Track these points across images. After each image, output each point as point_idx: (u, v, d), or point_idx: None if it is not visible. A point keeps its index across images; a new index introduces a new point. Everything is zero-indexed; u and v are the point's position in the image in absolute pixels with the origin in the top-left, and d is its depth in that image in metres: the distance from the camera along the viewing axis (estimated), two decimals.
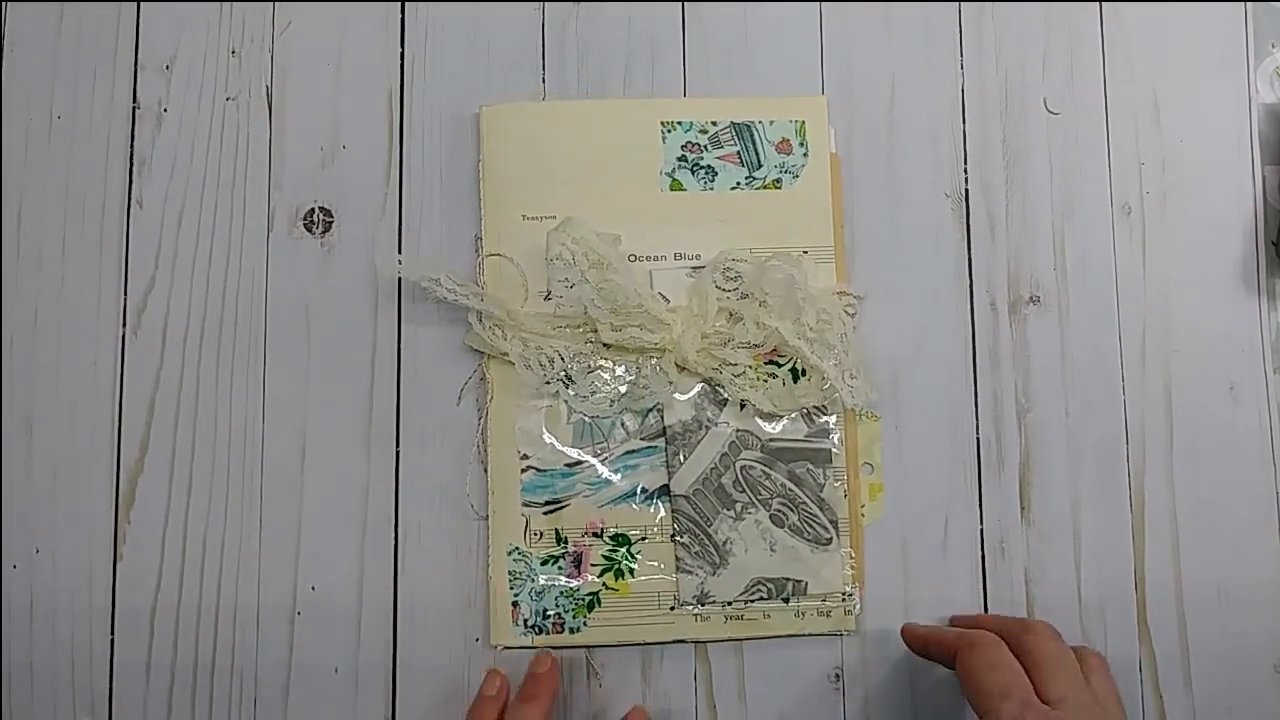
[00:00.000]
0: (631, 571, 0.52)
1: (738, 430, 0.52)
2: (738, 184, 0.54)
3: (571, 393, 0.52)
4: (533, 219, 0.53)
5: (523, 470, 0.52)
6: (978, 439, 0.54)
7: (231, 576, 0.52)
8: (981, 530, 0.54)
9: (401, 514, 0.53)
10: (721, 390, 0.52)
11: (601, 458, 0.52)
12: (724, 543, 0.52)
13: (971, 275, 0.55)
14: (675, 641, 0.52)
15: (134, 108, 0.55)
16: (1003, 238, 0.55)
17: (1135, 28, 0.57)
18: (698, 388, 0.53)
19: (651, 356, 0.52)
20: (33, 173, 0.54)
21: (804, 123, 0.54)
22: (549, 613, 0.51)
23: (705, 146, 0.54)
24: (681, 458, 0.52)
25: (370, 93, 0.55)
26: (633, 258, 0.53)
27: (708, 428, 0.52)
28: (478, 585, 0.52)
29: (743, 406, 0.52)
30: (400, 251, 0.54)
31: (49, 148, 0.54)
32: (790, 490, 0.52)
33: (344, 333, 0.54)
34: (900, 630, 0.51)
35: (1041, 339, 0.55)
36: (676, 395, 0.52)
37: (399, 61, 0.55)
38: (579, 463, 0.52)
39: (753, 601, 0.52)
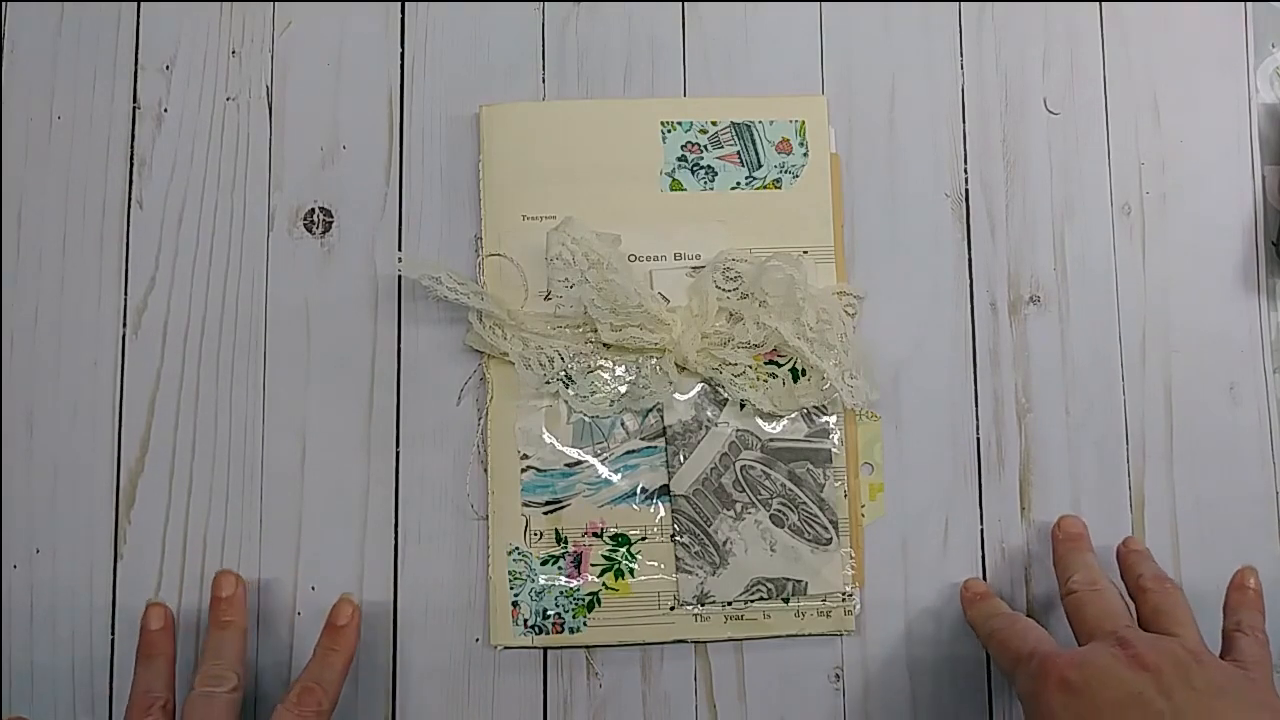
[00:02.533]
0: (631, 571, 0.52)
1: (738, 430, 0.52)
2: (738, 184, 0.54)
3: (571, 393, 0.52)
4: (533, 219, 0.53)
5: (523, 470, 0.52)
6: (978, 439, 0.54)
7: None
8: (981, 530, 0.54)
9: (401, 514, 0.53)
10: (721, 390, 0.52)
11: (601, 458, 0.52)
12: (724, 543, 0.52)
13: (971, 275, 0.55)
14: (675, 641, 0.52)
15: (134, 108, 0.55)
16: (1003, 238, 0.55)
17: (1135, 28, 0.57)
18: (698, 388, 0.53)
19: (651, 356, 0.52)
20: (33, 173, 0.54)
21: (804, 123, 0.54)
22: (549, 613, 0.51)
23: (705, 146, 0.54)
24: (681, 458, 0.52)
25: (370, 93, 0.55)
26: (633, 258, 0.53)
27: (708, 428, 0.52)
28: (478, 585, 0.52)
29: (743, 406, 0.52)
30: (400, 251, 0.54)
31: (49, 148, 0.54)
32: (790, 490, 0.52)
33: (344, 333, 0.54)
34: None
35: (1041, 339, 0.55)
36: (676, 395, 0.52)
37: (399, 61, 0.55)
38: (579, 463, 0.52)
39: (753, 601, 0.52)
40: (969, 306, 0.55)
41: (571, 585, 0.52)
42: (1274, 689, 0.45)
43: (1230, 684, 0.43)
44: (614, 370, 0.52)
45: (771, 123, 0.54)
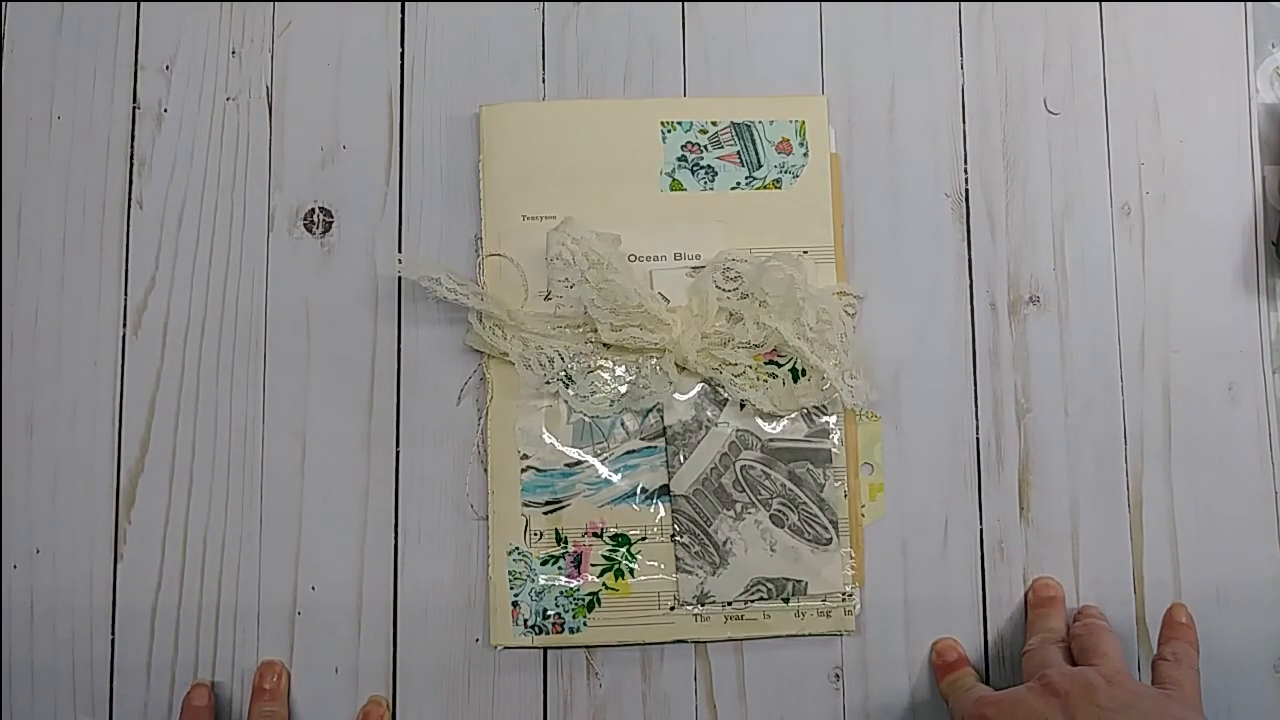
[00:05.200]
0: (631, 571, 0.52)
1: (738, 430, 0.52)
2: (738, 184, 0.54)
3: (571, 393, 0.52)
4: (533, 219, 0.53)
5: (523, 470, 0.52)
6: (977, 439, 0.54)
7: (231, 576, 0.52)
8: (981, 530, 0.54)
9: (401, 514, 0.53)
10: (721, 390, 0.52)
11: (601, 458, 0.52)
12: (724, 543, 0.52)
13: (971, 275, 0.55)
14: (675, 641, 0.52)
15: (134, 108, 0.55)
16: (1003, 238, 0.55)
17: (1135, 28, 0.57)
18: (698, 388, 0.53)
19: (651, 356, 0.52)
20: (33, 173, 0.54)
21: (804, 123, 0.54)
22: (549, 613, 0.51)
23: (705, 146, 0.54)
24: (681, 458, 0.52)
25: (370, 93, 0.55)
26: (633, 258, 0.53)
27: (708, 428, 0.52)
28: (478, 585, 0.52)
29: (743, 406, 0.52)
30: (400, 251, 0.54)
31: (49, 148, 0.54)
32: (790, 490, 0.52)
33: (344, 333, 0.54)
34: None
35: (1041, 339, 0.55)
36: (676, 395, 0.52)
37: (399, 61, 0.55)
38: (579, 463, 0.52)
39: (753, 601, 0.52)
40: (969, 306, 0.55)
41: (571, 585, 0.52)
42: (1190, 706, 0.46)
43: (1137, 700, 0.44)
44: (614, 370, 0.52)
45: (771, 123, 0.54)
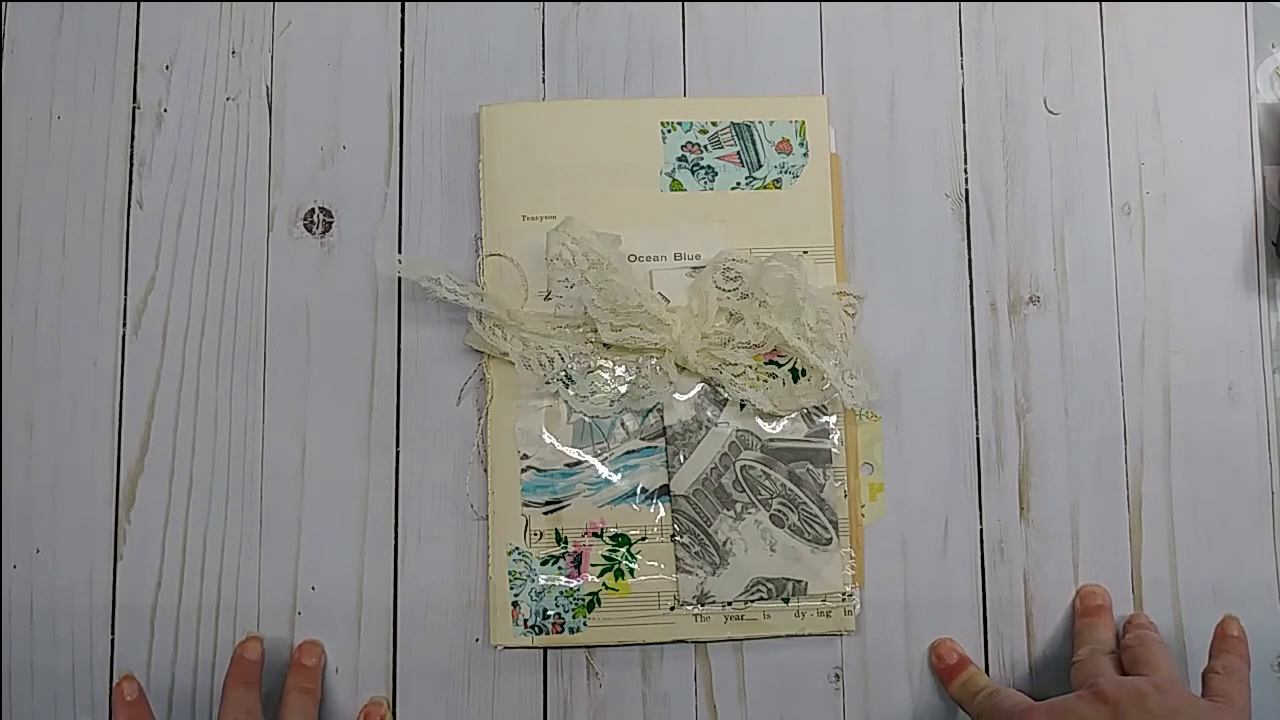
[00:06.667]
0: (631, 571, 0.52)
1: (738, 430, 0.52)
2: (738, 184, 0.54)
3: (571, 393, 0.52)
4: (533, 219, 0.53)
5: (523, 470, 0.52)
6: (977, 439, 0.54)
7: (231, 576, 0.52)
8: (981, 530, 0.54)
9: (401, 514, 0.53)
10: (721, 390, 0.52)
11: (601, 458, 0.52)
12: (724, 543, 0.52)
13: (971, 275, 0.55)
14: (675, 641, 0.52)
15: (134, 108, 0.55)
16: (1003, 238, 0.55)
17: (1135, 28, 0.57)
18: (698, 388, 0.53)
19: (651, 356, 0.52)
20: (33, 173, 0.54)
21: (804, 123, 0.54)
22: (549, 613, 0.51)
23: (705, 146, 0.54)
24: (681, 458, 0.52)
25: (370, 93, 0.55)
26: (633, 258, 0.53)
27: (708, 428, 0.52)
28: (478, 585, 0.52)
29: (743, 406, 0.52)
30: (400, 251, 0.54)
31: (49, 148, 0.54)
32: (790, 490, 0.52)
33: (344, 333, 0.54)
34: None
35: (1041, 339, 0.55)
36: (676, 395, 0.52)
37: (399, 61, 0.55)
38: (579, 463, 0.52)
39: (753, 601, 0.52)
40: (969, 306, 0.55)
41: (571, 585, 0.52)
42: (1239, 718, 0.46)
43: (1187, 708, 0.45)
44: (614, 370, 0.52)
45: (771, 123, 0.54)
